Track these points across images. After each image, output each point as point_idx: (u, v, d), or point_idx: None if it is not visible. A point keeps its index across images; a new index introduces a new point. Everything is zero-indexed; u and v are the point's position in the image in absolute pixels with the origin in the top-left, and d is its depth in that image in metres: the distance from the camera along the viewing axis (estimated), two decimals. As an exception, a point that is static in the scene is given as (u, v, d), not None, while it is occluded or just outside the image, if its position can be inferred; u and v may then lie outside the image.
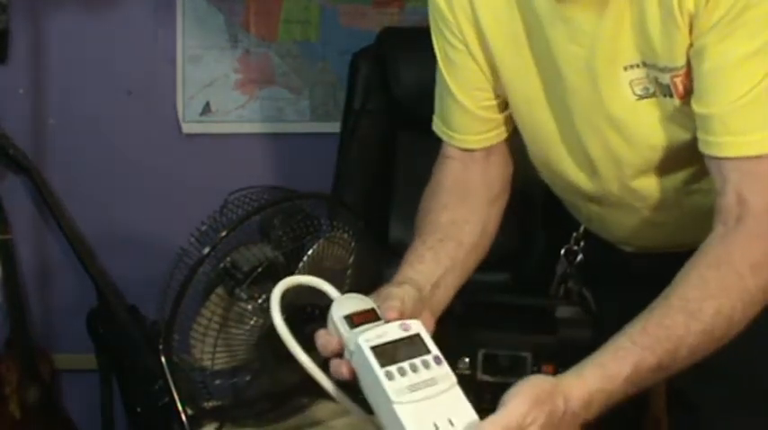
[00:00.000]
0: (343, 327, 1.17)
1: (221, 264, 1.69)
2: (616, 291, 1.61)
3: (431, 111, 1.53)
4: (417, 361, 1.13)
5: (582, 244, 1.69)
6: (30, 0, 2.51)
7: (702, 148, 1.28)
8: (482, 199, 1.49)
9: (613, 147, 1.40)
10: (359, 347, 1.13)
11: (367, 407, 1.16)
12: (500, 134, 1.51)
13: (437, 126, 1.52)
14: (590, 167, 1.45)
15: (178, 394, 1.69)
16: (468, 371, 1.59)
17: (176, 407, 1.70)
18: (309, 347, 1.21)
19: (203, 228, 1.70)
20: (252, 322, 1.68)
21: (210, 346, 1.68)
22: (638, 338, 1.18)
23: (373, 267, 1.79)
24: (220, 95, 2.62)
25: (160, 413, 1.84)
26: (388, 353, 1.13)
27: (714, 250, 1.24)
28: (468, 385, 1.54)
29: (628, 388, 1.17)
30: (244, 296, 1.68)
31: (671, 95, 1.31)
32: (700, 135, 1.28)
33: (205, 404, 1.74)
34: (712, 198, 1.28)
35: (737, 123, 1.24)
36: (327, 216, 1.79)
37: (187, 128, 2.63)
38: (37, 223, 2.61)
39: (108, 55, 2.57)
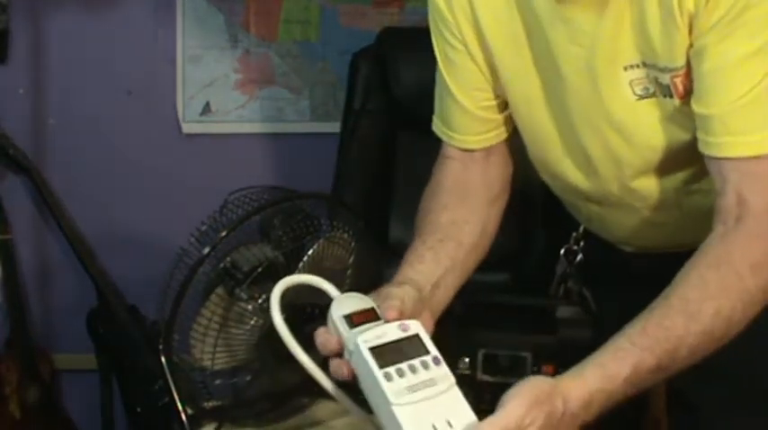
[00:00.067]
0: (342, 327, 1.17)
1: (221, 264, 1.69)
2: (616, 290, 1.61)
3: (431, 111, 1.53)
4: (416, 362, 1.13)
5: (581, 244, 1.69)
6: (30, 0, 2.51)
7: (702, 149, 1.28)
8: (482, 199, 1.49)
9: (613, 148, 1.40)
10: (358, 348, 1.13)
11: (367, 407, 1.16)
12: (500, 134, 1.51)
13: (437, 126, 1.52)
14: (590, 168, 1.45)
15: (178, 394, 1.69)
16: (468, 371, 1.59)
17: (176, 407, 1.70)
18: (309, 347, 1.21)
19: (203, 228, 1.70)
20: (252, 322, 1.68)
21: (210, 346, 1.68)
22: (638, 339, 1.18)
23: (373, 267, 1.79)
24: (220, 95, 2.62)
25: (160, 413, 1.84)
26: (387, 354, 1.13)
27: (714, 250, 1.24)
28: (469, 385, 1.55)
29: (627, 388, 1.17)
30: (244, 296, 1.68)
31: (671, 96, 1.31)
32: (699, 135, 1.28)
33: (205, 404, 1.74)
34: (712, 198, 1.28)
35: (737, 123, 1.24)
36: (327, 216, 1.79)
37: (187, 128, 2.63)
38: (37, 223, 2.61)
39: (108, 55, 2.57)
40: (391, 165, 2.36)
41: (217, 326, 1.67)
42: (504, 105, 1.49)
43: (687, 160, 1.38)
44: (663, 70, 1.29)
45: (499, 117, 1.49)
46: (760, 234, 1.22)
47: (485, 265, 1.48)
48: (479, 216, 1.47)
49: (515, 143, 1.53)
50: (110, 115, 2.59)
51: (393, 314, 1.19)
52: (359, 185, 2.35)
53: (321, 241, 1.73)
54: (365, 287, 1.28)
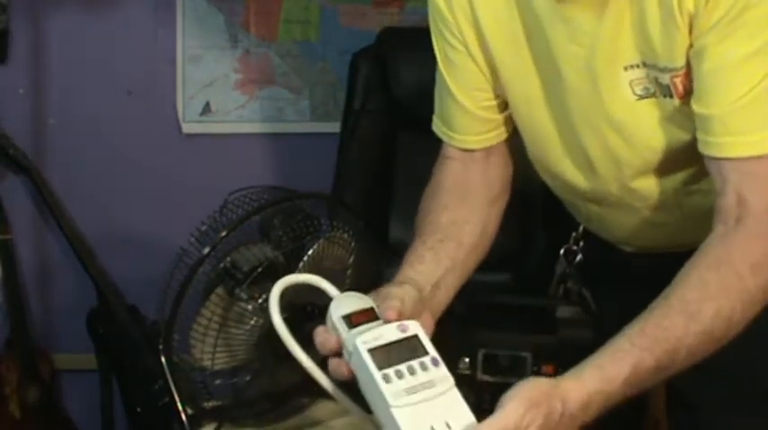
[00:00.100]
0: (341, 327, 1.17)
1: (221, 264, 1.69)
2: (616, 290, 1.61)
3: (431, 111, 1.53)
4: (415, 363, 1.13)
5: (581, 244, 1.69)
6: (30, 0, 2.51)
7: (702, 149, 1.28)
8: (482, 199, 1.49)
9: (613, 148, 1.40)
10: (356, 349, 1.13)
11: (366, 407, 1.16)
12: (500, 134, 1.51)
13: (437, 126, 1.52)
14: (589, 168, 1.45)
15: (178, 394, 1.69)
16: (468, 371, 1.59)
17: (176, 407, 1.70)
18: (309, 346, 1.21)
19: (203, 228, 1.70)
20: (252, 322, 1.68)
21: (210, 346, 1.68)
22: (637, 340, 1.18)
23: (373, 267, 1.79)
24: (220, 95, 2.62)
25: (160, 413, 1.84)
26: (386, 356, 1.13)
27: (714, 250, 1.23)
28: (469, 385, 1.55)
29: (626, 389, 1.17)
30: (244, 296, 1.68)
31: (671, 96, 1.31)
32: (699, 135, 1.28)
33: (205, 404, 1.74)
34: (712, 198, 1.28)
35: (737, 124, 1.24)
36: (327, 216, 1.79)
37: (187, 128, 2.63)
38: (37, 223, 2.61)
39: (108, 55, 2.57)
40: (391, 165, 2.36)
41: (217, 326, 1.67)
42: (504, 105, 1.49)
43: (687, 160, 1.38)
44: (663, 70, 1.29)
45: (499, 117, 1.49)
46: (760, 234, 1.22)
47: (485, 265, 1.48)
48: (480, 216, 1.47)
49: (515, 143, 1.53)
50: (110, 115, 2.59)
51: (392, 314, 1.19)
52: (359, 185, 2.35)
53: (321, 241, 1.73)
54: (365, 287, 1.28)
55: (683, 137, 1.34)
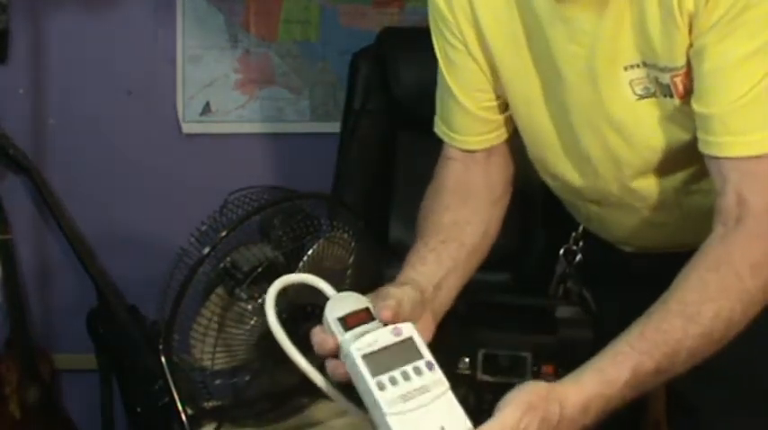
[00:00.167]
0: (337, 330, 1.17)
1: (221, 264, 1.69)
2: (616, 291, 1.61)
3: (431, 111, 1.53)
4: (409, 368, 1.12)
5: (581, 244, 1.69)
6: (30, 0, 2.51)
7: (702, 148, 1.28)
8: (484, 200, 1.48)
9: (613, 148, 1.40)
10: (351, 356, 1.13)
11: (364, 406, 1.16)
12: (501, 135, 1.50)
13: (438, 127, 1.52)
14: (589, 168, 1.45)
15: (178, 394, 1.69)
16: (468, 371, 1.59)
17: (176, 407, 1.70)
18: (309, 346, 1.20)
19: (203, 228, 1.70)
20: (252, 322, 1.68)
21: (210, 346, 1.68)
22: (637, 343, 1.17)
23: (373, 267, 1.79)
24: (220, 95, 2.62)
25: (160, 413, 1.84)
26: (380, 362, 1.12)
27: (714, 251, 1.23)
28: (469, 385, 1.55)
29: (626, 392, 1.16)
30: (244, 296, 1.68)
31: (671, 95, 1.31)
32: (699, 135, 1.28)
33: (205, 404, 1.74)
34: (712, 198, 1.28)
35: (737, 123, 1.24)
36: (327, 216, 1.79)
37: (187, 128, 2.63)
38: (37, 223, 2.61)
39: (108, 55, 2.57)
40: (391, 165, 2.36)
41: (217, 327, 1.67)
42: (505, 106, 1.49)
43: (687, 160, 1.38)
44: (663, 70, 1.29)
45: (500, 118, 1.49)
46: (760, 234, 1.22)
47: (485, 265, 1.48)
48: (481, 217, 1.47)
49: (516, 144, 1.52)
50: (110, 115, 2.59)
51: (387, 314, 1.18)
52: (359, 185, 2.35)
53: (321, 241, 1.73)
54: (365, 287, 1.28)
55: (684, 137, 1.34)
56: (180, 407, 1.70)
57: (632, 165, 1.41)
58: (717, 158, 1.26)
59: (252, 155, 2.65)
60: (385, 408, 1.09)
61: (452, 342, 1.52)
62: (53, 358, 2.63)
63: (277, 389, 1.75)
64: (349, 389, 1.17)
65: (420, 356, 1.14)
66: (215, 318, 1.67)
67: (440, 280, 1.37)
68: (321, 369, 1.20)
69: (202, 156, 2.64)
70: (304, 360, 1.19)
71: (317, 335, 1.19)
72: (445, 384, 1.13)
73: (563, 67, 1.37)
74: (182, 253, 1.70)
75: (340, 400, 1.21)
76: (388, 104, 2.34)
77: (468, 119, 1.48)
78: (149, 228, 2.60)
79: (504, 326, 1.65)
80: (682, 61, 1.27)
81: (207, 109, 2.62)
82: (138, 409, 2.25)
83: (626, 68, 1.32)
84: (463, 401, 1.13)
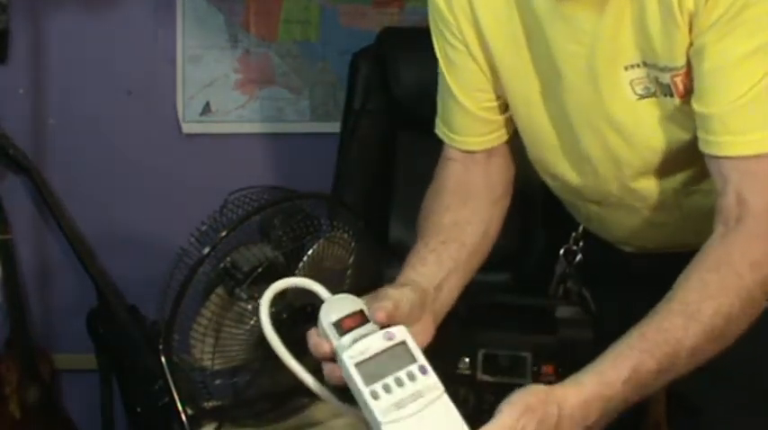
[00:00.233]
0: (331, 334, 1.16)
1: (221, 264, 1.69)
2: (616, 290, 1.61)
3: (431, 111, 1.53)
4: (402, 374, 1.12)
5: (581, 244, 1.68)
6: (30, 0, 2.51)
7: (702, 148, 1.28)
8: (484, 200, 1.48)
9: (613, 148, 1.40)
10: (344, 364, 1.12)
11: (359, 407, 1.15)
12: (501, 136, 1.50)
13: (439, 128, 1.52)
14: (589, 168, 1.45)
15: (178, 394, 1.70)
16: (468, 372, 1.58)
17: (176, 407, 1.70)
18: (307, 349, 1.20)
19: (203, 228, 1.70)
20: (252, 322, 1.68)
21: (210, 346, 1.68)
22: (637, 343, 1.17)
23: (373, 267, 1.79)
24: (220, 95, 2.62)
25: (160, 413, 1.84)
26: (373, 369, 1.12)
27: (714, 251, 1.23)
28: (469, 385, 1.55)
29: (627, 392, 1.16)
30: (244, 296, 1.68)
31: (671, 95, 1.31)
32: (700, 134, 1.28)
33: (205, 404, 1.74)
34: (712, 199, 1.28)
35: (737, 123, 1.24)
36: (327, 216, 1.80)
37: (187, 128, 2.63)
38: (37, 223, 2.61)
39: (108, 55, 2.57)
40: (391, 165, 2.36)
41: (217, 327, 1.67)
42: (505, 106, 1.48)
43: (687, 161, 1.38)
44: (663, 69, 1.29)
45: (500, 118, 1.49)
46: (759, 234, 1.22)
47: (485, 265, 1.48)
48: (482, 217, 1.47)
49: (516, 144, 1.52)
50: (110, 115, 2.59)
51: (381, 315, 1.18)
52: (359, 185, 2.35)
53: (321, 241, 1.73)
54: (365, 287, 1.28)
55: (684, 136, 1.34)
56: (180, 407, 1.70)
57: (632, 165, 1.41)
58: (717, 158, 1.26)
59: (252, 155, 2.65)
60: (380, 418, 1.09)
61: (453, 342, 1.52)
62: (53, 358, 2.63)
63: (277, 389, 1.75)
64: (348, 391, 1.17)
65: (413, 360, 1.13)
66: (215, 318, 1.67)
67: (440, 281, 1.37)
68: (319, 370, 1.19)
69: (202, 156, 2.64)
70: (298, 365, 1.19)
71: (312, 338, 1.19)
72: (440, 388, 1.12)
73: (563, 67, 1.36)
74: (182, 253, 1.70)
75: (332, 401, 1.20)
76: (388, 104, 2.34)
77: (468, 119, 1.48)
78: (149, 228, 2.60)
79: (504, 327, 1.65)
80: (682, 61, 1.27)
81: (207, 109, 2.62)
82: (138, 409, 2.25)
83: (626, 68, 1.32)
84: (463, 401, 1.13)
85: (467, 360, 1.59)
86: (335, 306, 1.19)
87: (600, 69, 1.34)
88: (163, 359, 1.69)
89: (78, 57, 2.56)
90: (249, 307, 1.68)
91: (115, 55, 2.57)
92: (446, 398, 1.12)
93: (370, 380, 1.11)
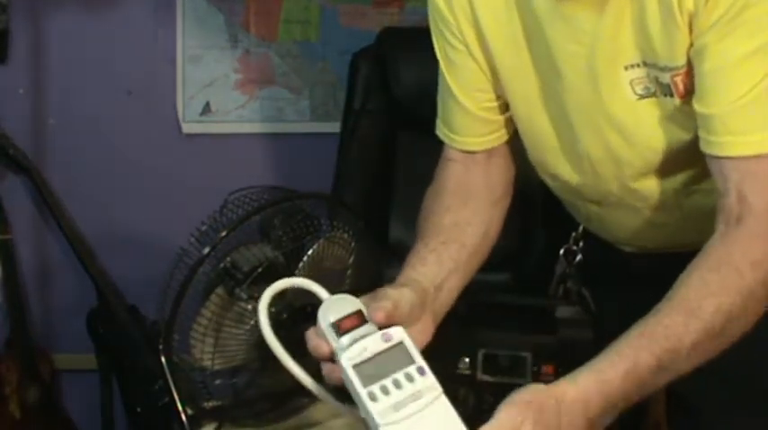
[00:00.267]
0: (330, 335, 1.16)
1: (221, 264, 1.69)
2: (616, 290, 1.61)
3: (431, 111, 1.53)
4: (400, 375, 1.11)
5: (581, 244, 1.68)
6: (30, 0, 2.51)
7: (703, 148, 1.28)
8: (485, 201, 1.48)
9: (613, 148, 1.40)
10: (341, 366, 1.12)
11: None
12: (501, 136, 1.50)
13: (440, 129, 1.52)
14: (589, 168, 1.45)
15: (178, 394, 1.70)
16: (468, 372, 1.58)
17: (176, 407, 1.70)
18: (306, 349, 1.20)
19: (203, 228, 1.70)
20: (252, 322, 1.68)
21: (210, 346, 1.68)
22: (636, 340, 1.17)
23: (373, 267, 1.79)
24: (220, 95, 2.62)
25: (160, 413, 1.84)
26: (371, 371, 1.11)
27: (715, 251, 1.23)
28: (469, 385, 1.55)
29: (627, 388, 1.16)
30: (244, 296, 1.68)
31: (671, 95, 1.31)
32: (701, 134, 1.28)
33: (205, 404, 1.74)
34: (713, 199, 1.28)
35: (738, 123, 1.24)
36: (327, 216, 1.80)
37: (187, 128, 2.63)
38: (37, 223, 2.61)
39: (108, 55, 2.57)
40: (391, 165, 2.36)
41: (217, 327, 1.67)
42: (505, 107, 1.48)
43: (687, 161, 1.38)
44: (663, 69, 1.29)
45: (501, 118, 1.49)
46: (760, 234, 1.22)
47: (485, 265, 1.48)
48: (482, 218, 1.47)
49: (516, 145, 1.52)
50: (110, 115, 2.59)
51: (380, 316, 1.17)
52: (359, 185, 2.35)
53: (321, 241, 1.73)
54: (365, 287, 1.27)
55: (684, 136, 1.34)
56: (180, 407, 1.70)
57: (632, 165, 1.41)
58: (718, 158, 1.26)
59: (252, 155, 2.65)
60: (378, 420, 1.09)
61: (452, 342, 1.51)
62: (53, 358, 2.63)
63: (277, 389, 1.75)
64: (347, 391, 1.17)
65: (411, 361, 1.13)
66: (215, 318, 1.67)
67: (441, 281, 1.37)
68: (319, 370, 1.19)
69: (202, 156, 2.64)
70: (296, 365, 1.19)
71: (311, 339, 1.19)
72: (438, 389, 1.12)
73: (563, 67, 1.36)
74: (182, 253, 1.70)
75: (333, 403, 1.20)
76: (388, 104, 2.34)
77: (468, 119, 1.48)
78: (149, 228, 2.60)
79: (504, 326, 1.65)
80: (682, 61, 1.27)
81: (207, 109, 2.62)
82: (138, 409, 2.25)
83: (626, 68, 1.32)
84: (463, 402, 1.13)
85: (467, 360, 1.59)
86: (334, 307, 1.19)
87: (600, 69, 1.34)
88: (163, 359, 1.69)
89: (78, 57, 2.56)
90: (249, 307, 1.68)
91: (115, 55, 2.58)
92: (444, 399, 1.12)
93: (368, 381, 1.11)
